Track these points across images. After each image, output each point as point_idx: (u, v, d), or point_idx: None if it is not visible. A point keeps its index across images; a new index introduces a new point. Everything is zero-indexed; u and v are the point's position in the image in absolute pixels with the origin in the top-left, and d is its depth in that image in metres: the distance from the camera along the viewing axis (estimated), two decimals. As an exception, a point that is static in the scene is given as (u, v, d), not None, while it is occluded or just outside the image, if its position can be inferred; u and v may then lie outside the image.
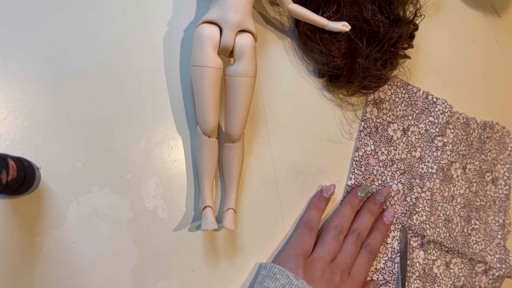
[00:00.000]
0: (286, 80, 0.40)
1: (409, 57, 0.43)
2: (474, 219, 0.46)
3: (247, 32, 0.34)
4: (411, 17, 0.42)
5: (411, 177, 0.43)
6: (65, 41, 0.34)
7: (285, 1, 0.36)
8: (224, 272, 0.36)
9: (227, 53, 0.34)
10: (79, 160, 0.33)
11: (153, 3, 0.37)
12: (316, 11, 0.38)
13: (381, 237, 0.41)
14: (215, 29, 0.33)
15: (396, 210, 0.42)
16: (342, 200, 0.42)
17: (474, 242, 0.46)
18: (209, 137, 0.34)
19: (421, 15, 0.42)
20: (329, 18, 0.38)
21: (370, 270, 0.41)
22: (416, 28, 0.42)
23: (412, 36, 0.43)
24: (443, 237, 0.43)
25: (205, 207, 0.34)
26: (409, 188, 0.42)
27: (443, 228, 0.44)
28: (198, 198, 0.36)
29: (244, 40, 0.33)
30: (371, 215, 0.41)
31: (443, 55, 0.48)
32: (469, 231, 0.46)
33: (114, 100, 0.35)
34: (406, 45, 0.42)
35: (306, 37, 0.40)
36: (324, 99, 0.42)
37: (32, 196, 0.32)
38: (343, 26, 0.37)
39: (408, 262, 0.41)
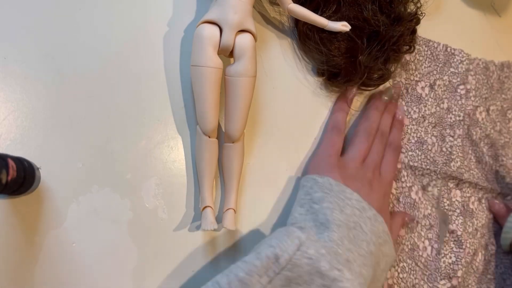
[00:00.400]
0: (286, 80, 0.40)
1: (412, 52, 0.43)
2: (501, 156, 0.49)
3: (247, 32, 0.34)
4: (413, 14, 0.41)
5: (441, 128, 0.45)
6: (65, 41, 0.34)
7: (285, 1, 0.36)
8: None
9: (227, 53, 0.34)
10: (79, 160, 0.33)
11: (153, 3, 0.37)
12: (316, 11, 0.38)
13: (399, 134, 0.43)
14: (215, 29, 0.33)
15: (436, 161, 0.44)
16: (366, 104, 0.43)
17: (502, 176, 0.49)
18: (209, 137, 0.34)
19: (422, 13, 0.42)
20: (329, 18, 0.38)
21: (418, 217, 0.43)
22: (418, 22, 0.42)
23: (414, 32, 0.43)
24: (476, 178, 0.46)
25: (205, 207, 0.34)
26: (442, 139, 0.45)
27: (475, 169, 0.46)
28: (198, 198, 0.36)
29: (244, 40, 0.33)
30: (389, 114, 0.43)
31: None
32: (497, 168, 0.48)
33: (114, 100, 0.35)
34: (409, 41, 0.42)
35: (305, 37, 0.40)
36: (324, 99, 0.42)
37: (32, 196, 0.32)
38: (343, 26, 0.37)
39: (448, 202, 0.44)
